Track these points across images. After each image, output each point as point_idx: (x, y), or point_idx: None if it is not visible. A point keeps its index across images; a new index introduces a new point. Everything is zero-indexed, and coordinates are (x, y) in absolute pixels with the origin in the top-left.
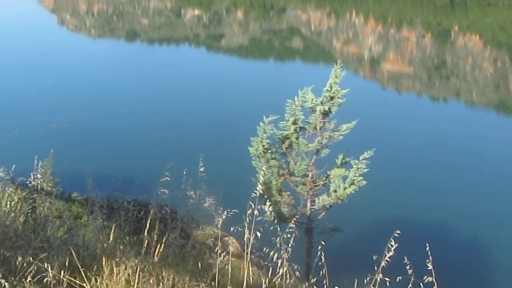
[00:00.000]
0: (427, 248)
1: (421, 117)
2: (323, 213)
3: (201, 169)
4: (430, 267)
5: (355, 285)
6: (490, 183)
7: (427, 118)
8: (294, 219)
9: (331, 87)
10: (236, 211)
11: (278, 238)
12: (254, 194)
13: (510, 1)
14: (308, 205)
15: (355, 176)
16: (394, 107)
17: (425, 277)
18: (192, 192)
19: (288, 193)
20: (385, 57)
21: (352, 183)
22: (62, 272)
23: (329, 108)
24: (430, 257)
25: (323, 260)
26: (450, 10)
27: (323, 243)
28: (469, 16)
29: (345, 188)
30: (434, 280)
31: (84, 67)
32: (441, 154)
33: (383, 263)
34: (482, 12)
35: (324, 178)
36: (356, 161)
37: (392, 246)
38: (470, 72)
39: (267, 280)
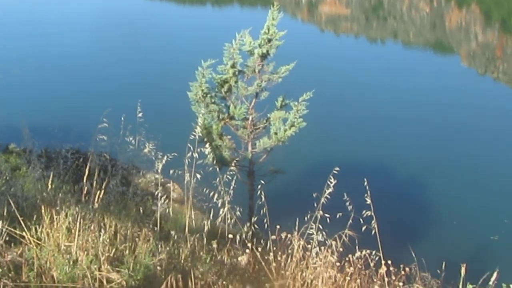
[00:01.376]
0: (365, 184)
1: (359, 59)
2: (265, 156)
3: (139, 115)
4: (369, 201)
5: (297, 223)
6: (427, 120)
7: (365, 59)
8: (235, 161)
9: (268, 30)
10: (176, 154)
11: (218, 179)
12: (192, 137)
13: None
14: (249, 148)
15: (295, 118)
16: (333, 49)
17: (364, 211)
18: (131, 138)
19: (229, 137)
20: None
21: (292, 125)
22: (1, 222)
23: (267, 51)
24: (369, 192)
25: (263, 199)
26: None
27: (262, 182)
28: None
29: (285, 130)
30: (373, 214)
31: (10, 18)
32: (379, 94)
33: (322, 200)
34: None
35: (265, 121)
36: (296, 103)
37: (331, 183)
38: (407, 13)
39: (208, 222)
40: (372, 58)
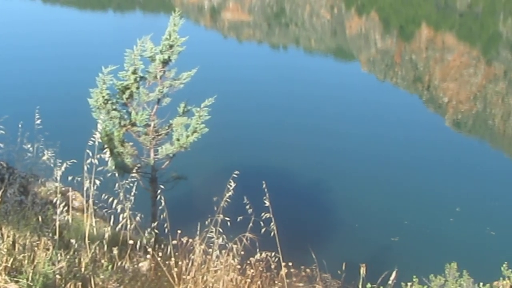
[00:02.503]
0: (264, 186)
1: (261, 65)
2: (167, 162)
3: (38, 122)
4: (268, 203)
5: (198, 227)
6: (327, 125)
7: (267, 65)
8: (136, 168)
9: (170, 36)
10: (75, 161)
11: (117, 185)
12: (91, 142)
13: None
14: (152, 155)
15: (197, 123)
16: (235, 56)
17: (263, 213)
18: (29, 146)
19: (131, 143)
20: (225, 6)
21: (195, 131)
22: None
23: (169, 57)
24: (267, 194)
25: (163, 204)
26: None
27: (162, 186)
28: None
29: (187, 136)
30: (271, 215)
31: None
32: (280, 100)
33: (222, 204)
34: None
35: (167, 127)
36: (198, 109)
37: (231, 186)
38: (308, 20)
39: (109, 229)
40: (274, 64)
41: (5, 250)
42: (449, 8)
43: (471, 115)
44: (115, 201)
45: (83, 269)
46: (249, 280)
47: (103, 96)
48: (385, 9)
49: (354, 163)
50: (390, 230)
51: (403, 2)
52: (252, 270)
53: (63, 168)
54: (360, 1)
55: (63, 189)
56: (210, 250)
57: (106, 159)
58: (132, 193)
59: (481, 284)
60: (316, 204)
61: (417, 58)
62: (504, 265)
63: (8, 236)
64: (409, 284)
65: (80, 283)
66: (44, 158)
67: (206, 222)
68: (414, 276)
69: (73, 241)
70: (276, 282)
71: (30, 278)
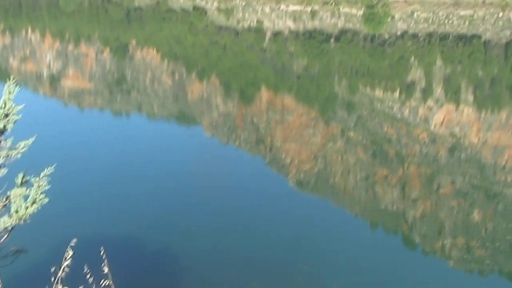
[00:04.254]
0: (102, 253)
1: (103, 132)
2: (6, 236)
3: None
4: (107, 270)
5: None
6: (164, 187)
7: (110, 132)
8: None
9: (5, 104)
10: None
11: None
12: None
13: (183, 16)
14: None
15: (37, 194)
16: (76, 123)
17: (103, 281)
18: None
19: None
20: (65, 73)
21: (34, 202)
22: None
23: (5, 126)
24: (106, 261)
25: None
26: (126, 25)
27: None
28: (145, 30)
29: (27, 208)
30: (111, 282)
31: None
32: (120, 165)
33: (60, 274)
34: (157, 26)
35: (4, 199)
36: (37, 179)
37: (68, 255)
38: (150, 85)
39: None
40: (115, 131)
41: None
42: (287, 70)
43: (313, 174)
44: None
45: None
46: None
47: None
48: (225, 73)
49: (195, 231)
50: None
51: (242, 65)
52: None
53: None
54: (200, 66)
55: None
56: None
57: None
58: None
59: None
60: (159, 267)
61: (258, 120)
62: None
63: None
64: None
65: None
66: None
67: None
68: None
69: None
70: None
71: None
